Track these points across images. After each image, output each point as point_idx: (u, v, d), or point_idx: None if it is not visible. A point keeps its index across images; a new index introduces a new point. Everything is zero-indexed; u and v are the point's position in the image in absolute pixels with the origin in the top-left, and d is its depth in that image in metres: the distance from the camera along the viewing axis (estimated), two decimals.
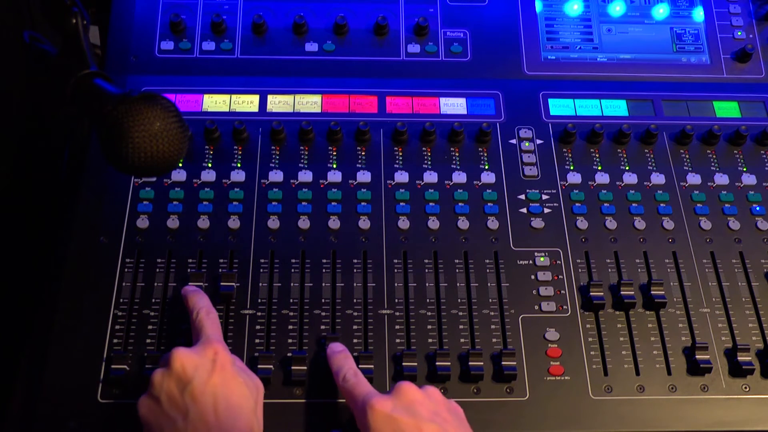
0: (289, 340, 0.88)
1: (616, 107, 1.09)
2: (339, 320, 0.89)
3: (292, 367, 0.86)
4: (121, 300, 0.89)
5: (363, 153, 1.02)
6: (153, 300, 0.90)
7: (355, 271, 0.93)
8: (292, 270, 0.92)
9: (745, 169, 1.04)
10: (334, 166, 1.01)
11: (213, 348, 0.77)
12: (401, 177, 1.00)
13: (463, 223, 0.97)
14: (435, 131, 1.03)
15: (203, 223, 0.95)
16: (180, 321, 0.88)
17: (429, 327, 0.90)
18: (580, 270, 0.95)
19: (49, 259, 0.94)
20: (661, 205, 1.00)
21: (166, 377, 0.75)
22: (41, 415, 0.82)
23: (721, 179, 1.02)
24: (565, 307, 0.92)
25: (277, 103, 1.06)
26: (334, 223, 0.96)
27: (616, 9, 1.17)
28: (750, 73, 1.13)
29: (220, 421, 0.73)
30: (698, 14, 1.17)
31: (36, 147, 1.10)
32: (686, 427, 0.85)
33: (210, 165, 1.00)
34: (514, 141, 1.04)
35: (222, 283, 0.88)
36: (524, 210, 0.99)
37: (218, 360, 0.76)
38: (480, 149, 1.03)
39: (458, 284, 0.93)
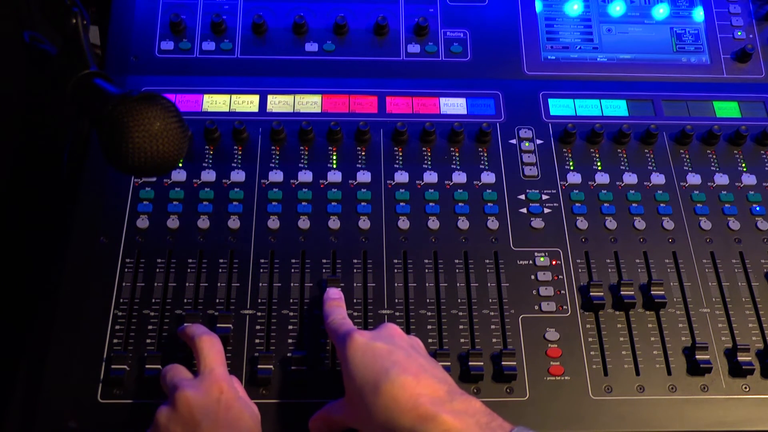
0: (289, 340, 0.88)
1: (616, 107, 1.09)
2: None
3: (292, 367, 0.86)
4: (121, 300, 0.89)
5: (363, 153, 1.02)
6: (153, 300, 0.89)
7: (355, 271, 0.93)
8: (292, 270, 0.92)
9: (745, 169, 1.04)
10: (334, 166, 1.01)
11: (218, 385, 0.77)
12: (401, 177, 1.00)
13: (463, 223, 0.97)
14: (435, 131, 1.03)
15: (203, 223, 0.95)
16: (180, 322, 0.88)
17: (429, 327, 0.90)
18: (580, 270, 0.95)
19: (49, 259, 0.94)
20: (661, 205, 1.00)
21: (172, 420, 0.75)
22: (41, 415, 0.82)
23: (721, 179, 1.02)
24: (565, 307, 0.92)
25: (277, 103, 1.06)
26: (334, 223, 0.96)
27: (616, 9, 1.17)
28: (750, 73, 1.13)
29: None
30: (698, 14, 1.17)
31: (36, 147, 1.10)
32: (686, 427, 0.85)
33: (210, 165, 1.00)
34: (514, 141, 1.04)
35: (218, 325, 0.87)
36: (524, 210, 0.99)
37: (223, 399, 0.76)
38: (480, 149, 1.03)
39: (458, 284, 0.93)
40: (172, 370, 0.80)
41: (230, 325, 0.87)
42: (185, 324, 0.86)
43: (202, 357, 0.80)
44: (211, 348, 0.80)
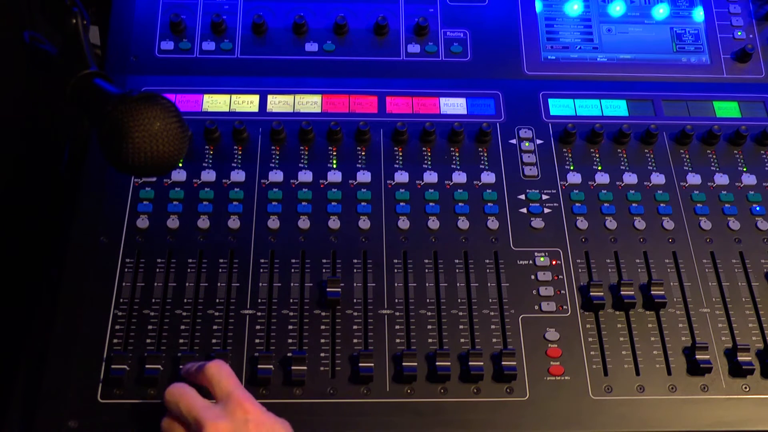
0: (289, 340, 0.88)
1: (616, 107, 1.09)
2: (339, 320, 0.89)
3: (292, 367, 0.86)
4: (121, 300, 0.89)
5: (363, 153, 1.02)
6: (153, 300, 0.89)
7: (355, 271, 0.93)
8: (292, 270, 0.92)
9: (745, 169, 1.04)
10: (334, 166, 1.01)
11: (241, 408, 0.74)
12: (401, 177, 1.00)
13: (463, 223, 0.97)
14: (435, 131, 1.03)
15: (203, 223, 0.95)
16: (180, 321, 0.88)
17: (429, 327, 0.90)
18: (580, 270, 0.95)
19: (49, 259, 0.94)
20: (661, 205, 1.00)
21: None
22: (41, 415, 0.82)
23: (721, 179, 1.02)
24: (565, 307, 0.92)
25: (277, 103, 1.06)
26: (334, 223, 0.96)
27: (616, 9, 1.17)
28: (750, 73, 1.13)
29: None
30: (698, 14, 1.17)
31: (36, 147, 1.10)
32: (686, 427, 0.85)
33: (210, 165, 1.00)
34: (514, 141, 1.04)
35: (212, 353, 0.86)
36: (524, 210, 0.99)
37: (251, 419, 0.74)
38: (480, 149, 1.03)
39: (458, 284, 0.93)
40: (184, 399, 0.76)
41: (227, 354, 0.86)
42: (182, 366, 0.83)
43: (215, 383, 0.77)
44: (221, 372, 0.78)
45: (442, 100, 1.08)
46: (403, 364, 0.86)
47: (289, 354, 0.87)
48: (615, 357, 0.89)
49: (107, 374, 0.84)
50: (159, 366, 0.84)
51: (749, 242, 0.98)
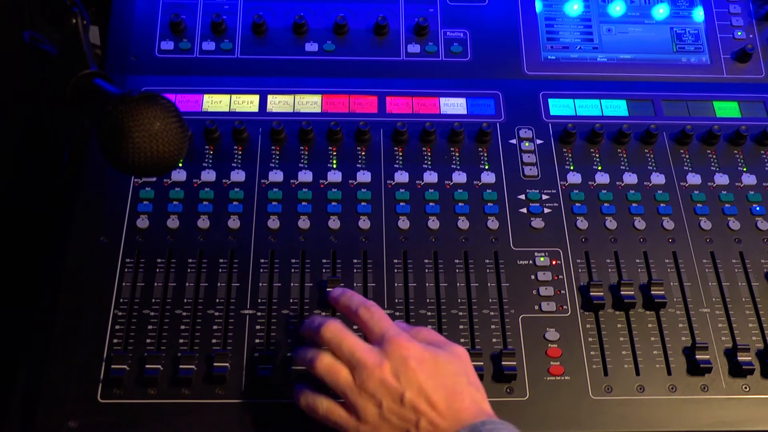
0: (289, 340, 0.88)
1: (616, 107, 1.09)
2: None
3: (292, 368, 0.86)
4: (121, 300, 0.89)
5: (363, 153, 1.02)
6: (153, 300, 0.89)
7: (355, 271, 0.93)
8: (292, 270, 0.92)
9: (745, 169, 1.04)
10: (334, 166, 1.01)
11: (398, 346, 0.74)
12: (401, 177, 1.00)
13: (463, 223, 0.97)
14: (435, 131, 1.03)
15: (203, 223, 0.95)
16: (180, 321, 0.88)
17: (429, 327, 0.90)
18: (580, 270, 0.95)
19: (49, 259, 0.94)
20: (661, 205, 1.00)
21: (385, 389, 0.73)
22: (41, 415, 0.82)
23: (721, 179, 1.02)
24: (565, 307, 0.92)
25: (277, 103, 1.06)
26: (334, 223, 0.96)
27: (616, 9, 1.17)
28: (750, 73, 1.13)
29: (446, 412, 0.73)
30: (698, 14, 1.17)
31: (36, 147, 1.10)
32: (686, 427, 0.85)
33: (210, 165, 1.00)
34: (514, 141, 1.04)
35: (215, 364, 0.85)
36: (524, 210, 0.99)
37: (411, 356, 0.73)
38: (480, 149, 1.03)
39: (458, 284, 0.93)
40: (348, 340, 0.76)
41: (227, 365, 0.85)
42: (336, 291, 0.85)
43: (369, 326, 0.78)
44: (372, 315, 0.79)
45: (442, 100, 1.08)
46: None
47: (289, 354, 0.87)
48: (615, 357, 0.89)
49: (107, 374, 0.84)
50: (159, 366, 0.84)
51: (749, 242, 0.98)
